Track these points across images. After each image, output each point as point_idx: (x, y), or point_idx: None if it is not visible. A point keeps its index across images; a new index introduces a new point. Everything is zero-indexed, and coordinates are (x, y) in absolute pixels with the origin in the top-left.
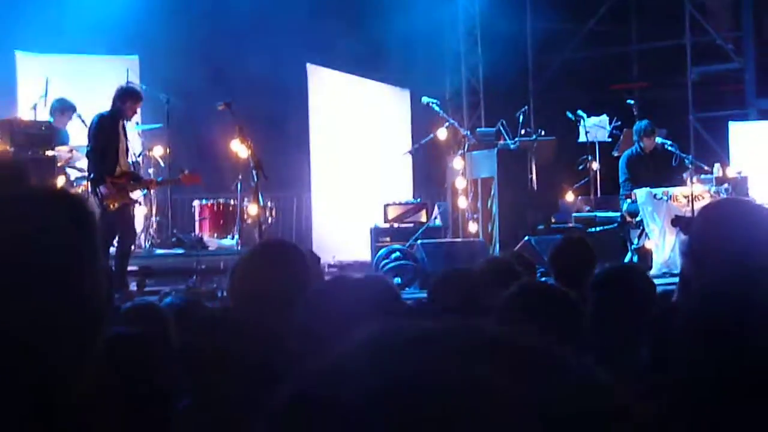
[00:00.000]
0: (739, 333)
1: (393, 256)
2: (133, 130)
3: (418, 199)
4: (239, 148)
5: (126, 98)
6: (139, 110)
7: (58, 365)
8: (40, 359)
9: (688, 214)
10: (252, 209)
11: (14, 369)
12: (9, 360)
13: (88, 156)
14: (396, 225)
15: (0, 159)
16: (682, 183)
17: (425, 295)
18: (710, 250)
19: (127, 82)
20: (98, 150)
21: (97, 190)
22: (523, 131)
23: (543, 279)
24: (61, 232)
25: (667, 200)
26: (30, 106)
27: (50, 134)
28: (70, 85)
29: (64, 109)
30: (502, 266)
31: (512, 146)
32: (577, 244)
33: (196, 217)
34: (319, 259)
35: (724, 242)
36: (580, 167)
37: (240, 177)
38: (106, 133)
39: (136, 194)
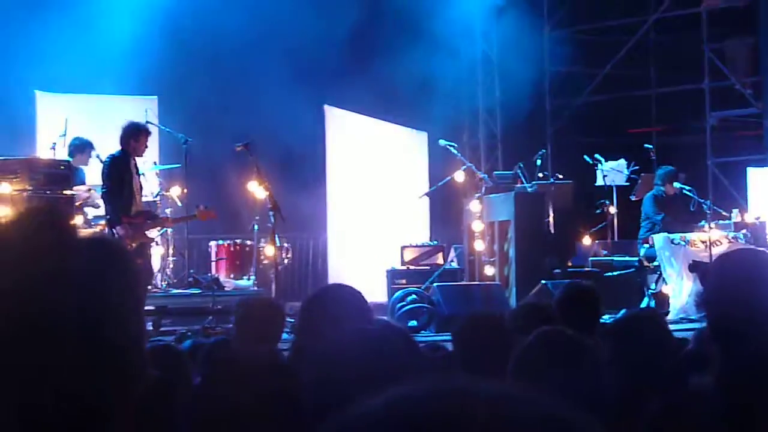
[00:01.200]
0: None
1: (409, 298)
2: (152, 170)
3: (435, 242)
4: (256, 189)
5: (131, 136)
6: (156, 150)
7: (103, 408)
8: (83, 403)
9: (706, 260)
10: (268, 250)
11: (59, 410)
12: (54, 400)
13: (103, 197)
14: (412, 267)
15: (39, 205)
16: (700, 228)
17: (440, 338)
18: (726, 302)
19: (146, 122)
20: (113, 190)
21: (114, 230)
22: (540, 174)
23: None
24: (103, 279)
25: (684, 245)
26: (49, 145)
27: (69, 173)
28: (90, 124)
29: (83, 147)
30: (535, 312)
31: (529, 189)
32: (583, 292)
33: (213, 258)
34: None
35: (739, 295)
36: (598, 211)
37: (257, 218)
38: (119, 173)
39: (153, 233)
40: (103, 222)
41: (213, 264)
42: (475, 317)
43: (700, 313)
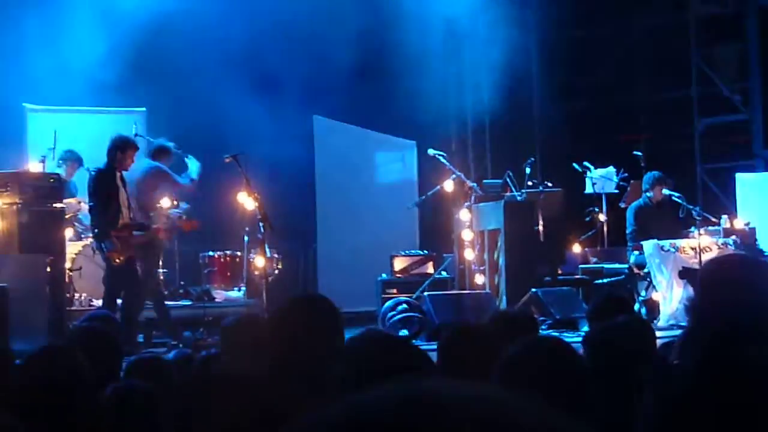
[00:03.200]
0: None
1: (399, 308)
2: None
3: (425, 251)
4: (246, 200)
5: (117, 149)
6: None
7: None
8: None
9: (696, 266)
10: (259, 261)
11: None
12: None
13: (91, 212)
14: (403, 276)
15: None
16: (689, 235)
17: (431, 347)
18: (711, 306)
19: (135, 134)
20: (100, 205)
21: (102, 244)
22: (530, 182)
23: (549, 332)
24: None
25: (674, 252)
26: (39, 158)
27: (59, 186)
28: (79, 137)
29: (72, 159)
30: (512, 320)
31: (519, 198)
32: (615, 303)
33: (204, 269)
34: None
35: (724, 298)
36: (587, 219)
37: (247, 229)
38: (105, 187)
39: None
40: (91, 236)
41: (204, 275)
42: (462, 329)
43: (688, 318)
